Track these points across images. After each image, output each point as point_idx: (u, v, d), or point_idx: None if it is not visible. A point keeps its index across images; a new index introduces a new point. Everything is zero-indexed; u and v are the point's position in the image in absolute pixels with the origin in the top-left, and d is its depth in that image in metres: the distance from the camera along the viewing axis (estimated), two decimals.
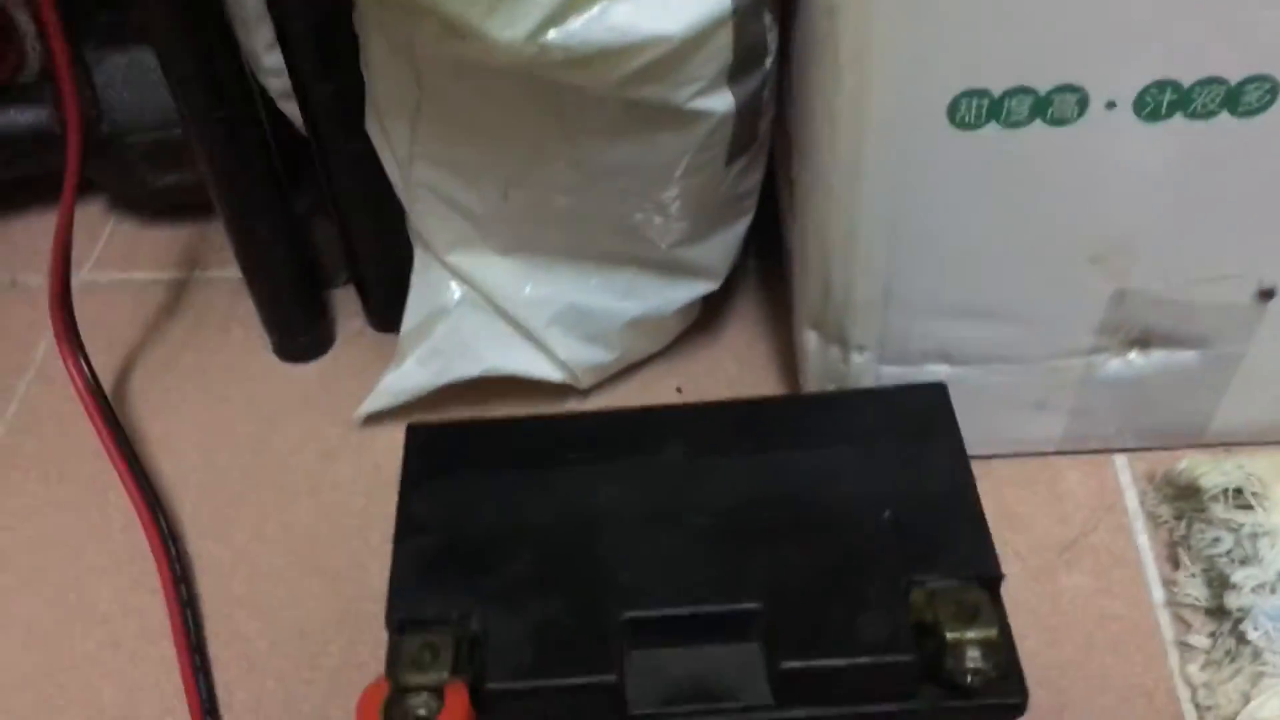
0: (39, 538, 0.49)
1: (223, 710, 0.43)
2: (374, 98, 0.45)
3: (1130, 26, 0.34)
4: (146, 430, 0.52)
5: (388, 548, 0.36)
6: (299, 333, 0.54)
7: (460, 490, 0.38)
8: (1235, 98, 0.35)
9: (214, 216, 0.52)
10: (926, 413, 0.38)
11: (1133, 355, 0.43)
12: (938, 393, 0.39)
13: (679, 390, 0.52)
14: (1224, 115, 0.36)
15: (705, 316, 0.53)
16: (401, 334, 0.50)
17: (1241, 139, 0.36)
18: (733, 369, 0.52)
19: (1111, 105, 0.36)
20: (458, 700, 0.32)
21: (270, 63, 0.48)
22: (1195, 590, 0.42)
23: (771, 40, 0.42)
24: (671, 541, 0.35)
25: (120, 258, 0.60)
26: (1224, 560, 0.41)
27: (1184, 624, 0.42)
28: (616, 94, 0.39)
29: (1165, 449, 0.46)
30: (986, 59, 0.35)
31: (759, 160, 0.47)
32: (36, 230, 0.60)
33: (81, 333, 0.49)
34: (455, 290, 0.49)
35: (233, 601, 0.46)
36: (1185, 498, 0.44)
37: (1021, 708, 0.33)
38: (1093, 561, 0.44)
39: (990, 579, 0.34)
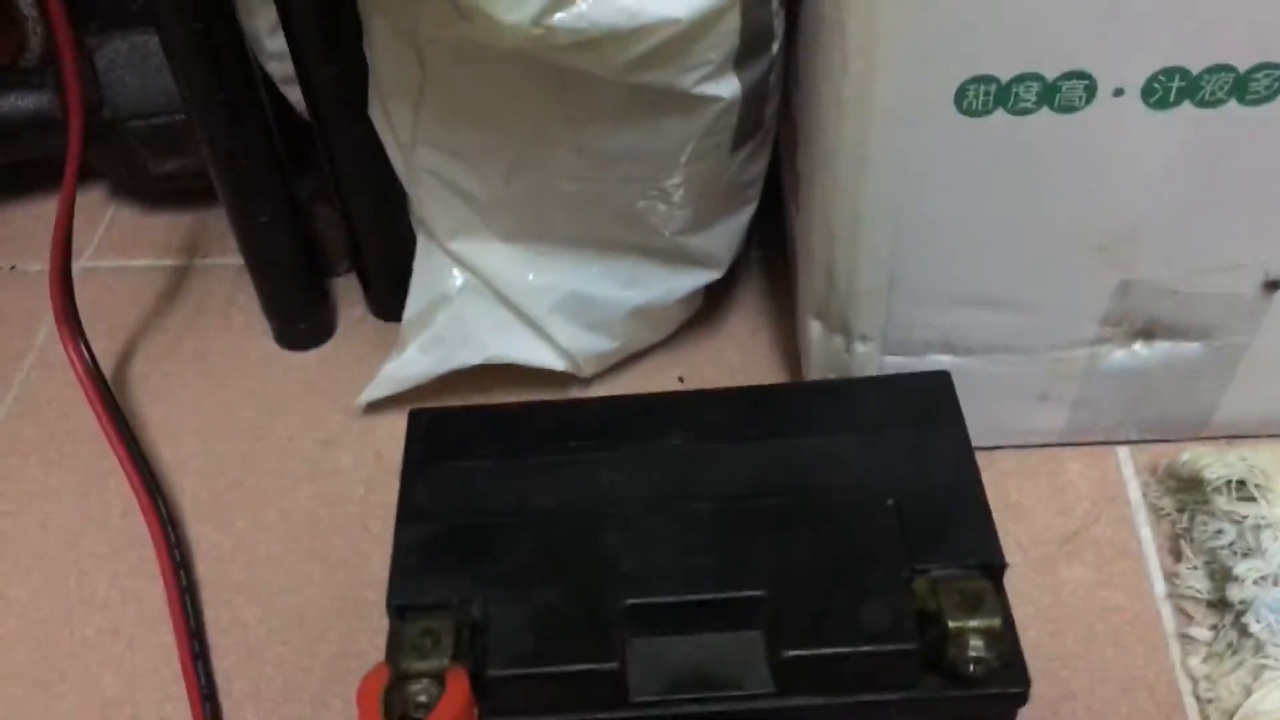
0: (38, 523, 0.49)
1: (221, 697, 0.43)
2: (377, 82, 0.45)
3: (1139, 12, 0.34)
4: (146, 416, 0.52)
5: (388, 535, 0.36)
6: (300, 320, 0.54)
7: (462, 476, 0.37)
8: (1244, 85, 0.35)
9: (215, 203, 0.51)
10: (930, 400, 0.38)
11: (1137, 346, 0.43)
12: (942, 380, 0.39)
13: (681, 380, 0.52)
14: (1232, 103, 0.35)
15: (708, 306, 0.53)
16: (403, 321, 0.49)
17: (1249, 127, 0.36)
18: (735, 359, 0.52)
19: (1119, 92, 0.35)
20: (458, 687, 0.32)
21: (273, 47, 0.48)
22: (1197, 583, 0.42)
23: (778, 25, 0.42)
24: (674, 529, 0.35)
25: (121, 244, 0.60)
26: (1226, 553, 0.41)
27: (1186, 616, 0.42)
28: (622, 78, 0.39)
29: (1168, 441, 0.46)
30: (994, 45, 0.35)
31: (764, 148, 0.47)
32: (37, 216, 0.60)
33: (82, 319, 0.49)
34: (457, 277, 0.49)
35: (232, 588, 0.46)
36: (1188, 490, 0.44)
37: (1024, 697, 0.33)
38: (1095, 553, 0.44)
39: (994, 568, 0.34)
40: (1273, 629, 0.39)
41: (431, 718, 0.31)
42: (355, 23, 0.43)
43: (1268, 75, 0.35)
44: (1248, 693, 0.38)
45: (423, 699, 0.32)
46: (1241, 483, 0.42)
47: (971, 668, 0.32)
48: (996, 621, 0.32)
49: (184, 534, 0.47)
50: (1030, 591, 0.43)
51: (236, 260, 0.53)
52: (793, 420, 0.38)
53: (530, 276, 0.48)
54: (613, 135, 0.43)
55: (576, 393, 0.51)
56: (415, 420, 0.39)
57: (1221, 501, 0.42)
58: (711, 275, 0.50)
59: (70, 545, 0.48)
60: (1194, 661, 0.41)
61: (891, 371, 0.44)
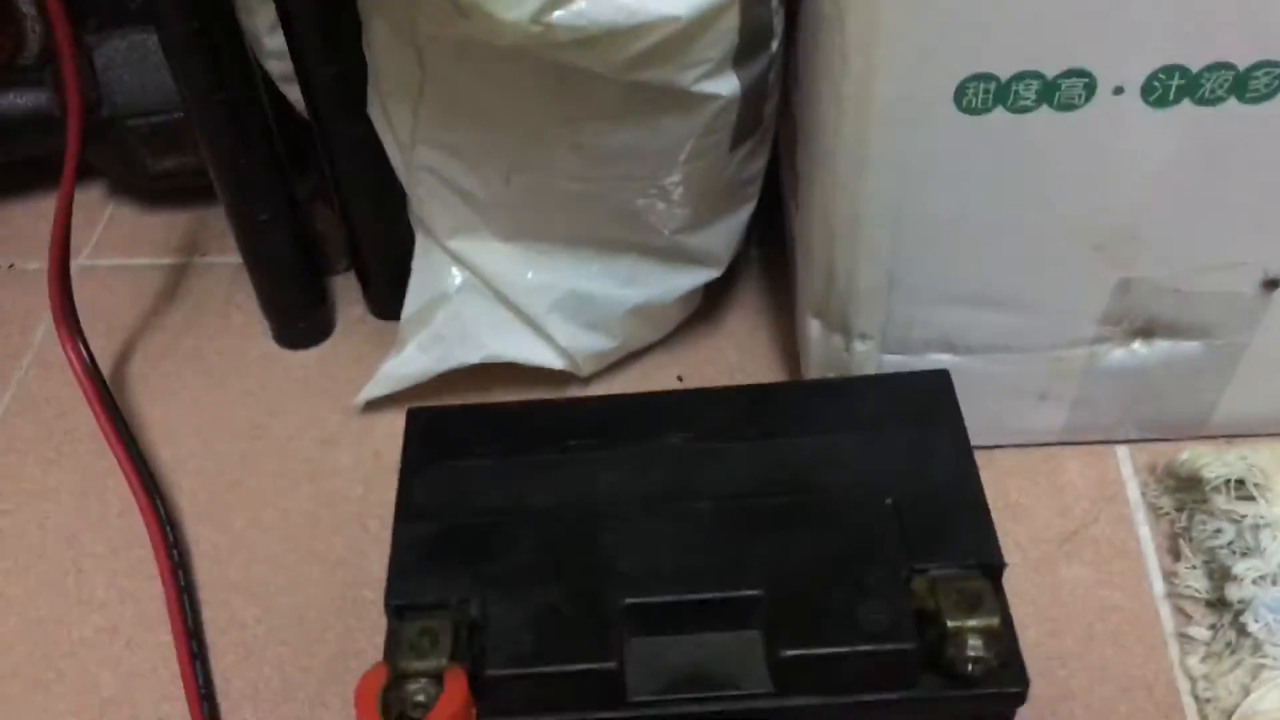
0: (36, 522, 0.49)
1: (220, 697, 0.43)
2: (376, 81, 0.45)
3: (1139, 10, 0.34)
4: (145, 416, 0.52)
5: (386, 534, 0.36)
6: (299, 319, 0.54)
7: (461, 475, 0.37)
8: (1243, 83, 0.35)
9: (214, 201, 0.51)
10: (930, 399, 0.38)
11: (1136, 345, 0.43)
12: (941, 379, 0.39)
13: (680, 379, 0.51)
14: (1232, 101, 0.35)
15: (707, 304, 0.53)
16: (402, 320, 0.49)
17: (1249, 126, 0.36)
18: (734, 358, 0.52)
19: (1119, 90, 0.35)
20: (456, 686, 0.31)
21: (272, 45, 0.48)
22: (1196, 582, 0.42)
23: (777, 23, 0.42)
24: (672, 528, 0.35)
25: (120, 242, 0.60)
26: (1225, 552, 0.41)
27: (1184, 616, 0.42)
28: (621, 76, 0.39)
29: (1167, 440, 0.46)
30: (994, 43, 0.35)
31: (763, 146, 0.47)
32: (36, 214, 0.60)
33: (80, 317, 0.49)
34: (456, 276, 0.49)
35: (230, 588, 0.46)
36: (1187, 489, 0.44)
37: (1022, 697, 0.33)
38: (1093, 553, 0.44)
39: (992, 567, 0.34)
40: (1271, 628, 0.39)
41: (429, 717, 0.31)
42: (355, 21, 0.43)
43: (1267, 73, 0.35)
44: (1246, 692, 0.38)
45: (421, 699, 0.32)
46: (1240, 482, 0.42)
47: (970, 667, 0.32)
48: (995, 621, 0.32)
49: (182, 533, 0.47)
50: (1029, 591, 0.43)
51: (235, 259, 0.53)
52: (791, 419, 0.38)
53: (529, 275, 0.48)
54: (612, 133, 0.43)
55: (575, 391, 0.51)
56: (413, 419, 0.39)
57: (1220, 501, 0.42)
58: (710, 274, 0.50)
59: (68, 545, 0.48)
60: (1192, 661, 0.41)
61: (891, 370, 0.44)
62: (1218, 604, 0.41)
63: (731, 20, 0.39)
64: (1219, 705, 0.39)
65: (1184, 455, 0.44)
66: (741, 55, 0.40)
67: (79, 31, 0.53)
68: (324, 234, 0.55)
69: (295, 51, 0.46)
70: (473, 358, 0.49)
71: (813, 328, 0.45)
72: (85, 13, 0.54)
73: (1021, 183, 0.38)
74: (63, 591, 0.46)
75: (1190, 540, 0.43)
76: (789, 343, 0.51)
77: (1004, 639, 0.32)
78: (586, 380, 0.51)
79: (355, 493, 0.48)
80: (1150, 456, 0.46)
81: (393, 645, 0.33)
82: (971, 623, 0.32)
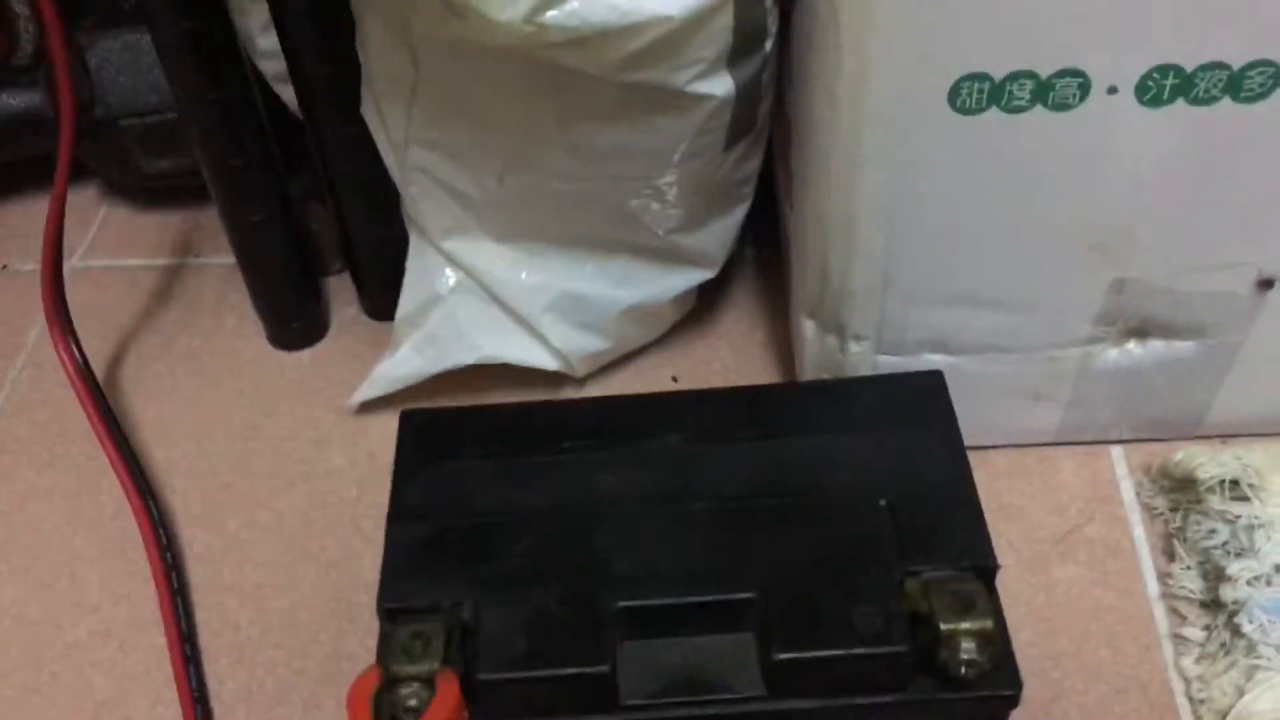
0: (29, 524, 0.49)
1: (213, 700, 0.43)
2: (370, 80, 0.44)
3: (1133, 10, 0.34)
4: (139, 417, 0.52)
5: (380, 536, 0.36)
6: (293, 319, 0.54)
7: (454, 477, 0.37)
8: (1238, 83, 0.35)
9: (208, 202, 0.51)
10: (923, 400, 0.38)
11: (1130, 345, 0.43)
12: (935, 380, 0.39)
13: (674, 379, 0.51)
14: (1226, 101, 0.35)
15: (701, 305, 0.53)
16: (396, 321, 0.49)
17: (1243, 125, 0.36)
18: (729, 358, 0.52)
19: (1113, 90, 0.35)
20: (448, 690, 0.31)
21: (265, 45, 0.48)
22: (1190, 583, 0.42)
23: (771, 23, 0.41)
24: (666, 530, 0.35)
25: (113, 243, 0.60)
26: (1219, 552, 0.41)
27: (1179, 616, 0.42)
28: (615, 76, 0.39)
29: (1162, 440, 0.46)
30: (988, 43, 0.35)
31: (758, 146, 0.47)
32: (29, 215, 0.60)
33: (74, 318, 0.49)
34: (450, 277, 0.49)
35: (224, 590, 0.46)
36: (1181, 489, 0.44)
37: (1015, 700, 0.33)
38: (1088, 553, 0.44)
39: (986, 569, 0.34)
40: (1265, 629, 0.39)
41: None
42: (349, 21, 0.43)
43: (1261, 73, 0.35)
44: (1240, 693, 0.38)
45: (412, 703, 0.32)
46: (1235, 482, 0.42)
47: (963, 670, 0.32)
48: (988, 624, 0.32)
49: (175, 535, 0.47)
50: (1024, 591, 0.43)
51: (229, 259, 0.53)
52: (786, 421, 0.38)
53: (523, 276, 0.48)
54: (605, 134, 0.42)
55: (570, 393, 0.51)
56: (407, 421, 0.39)
57: (1215, 501, 0.42)
58: (705, 274, 0.50)
59: (61, 547, 0.48)
60: (1187, 662, 0.41)
61: (885, 371, 0.44)
62: (1212, 605, 0.41)
63: (725, 20, 0.39)
64: (1213, 706, 0.39)
65: (1178, 455, 0.44)
66: (735, 55, 0.40)
67: (72, 32, 0.53)
68: (318, 234, 0.54)
69: (289, 51, 0.46)
70: (467, 359, 0.49)
71: (807, 328, 0.45)
72: (79, 13, 0.54)
73: (1016, 183, 0.38)
74: (55, 594, 0.46)
75: (1185, 541, 0.43)
76: (784, 343, 0.51)
77: (997, 641, 0.32)
78: (581, 381, 0.51)
79: (349, 494, 0.48)
80: (1145, 457, 0.46)
81: (384, 649, 0.33)
82: (964, 625, 0.32)
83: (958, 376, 0.40)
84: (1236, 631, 0.39)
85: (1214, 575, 0.41)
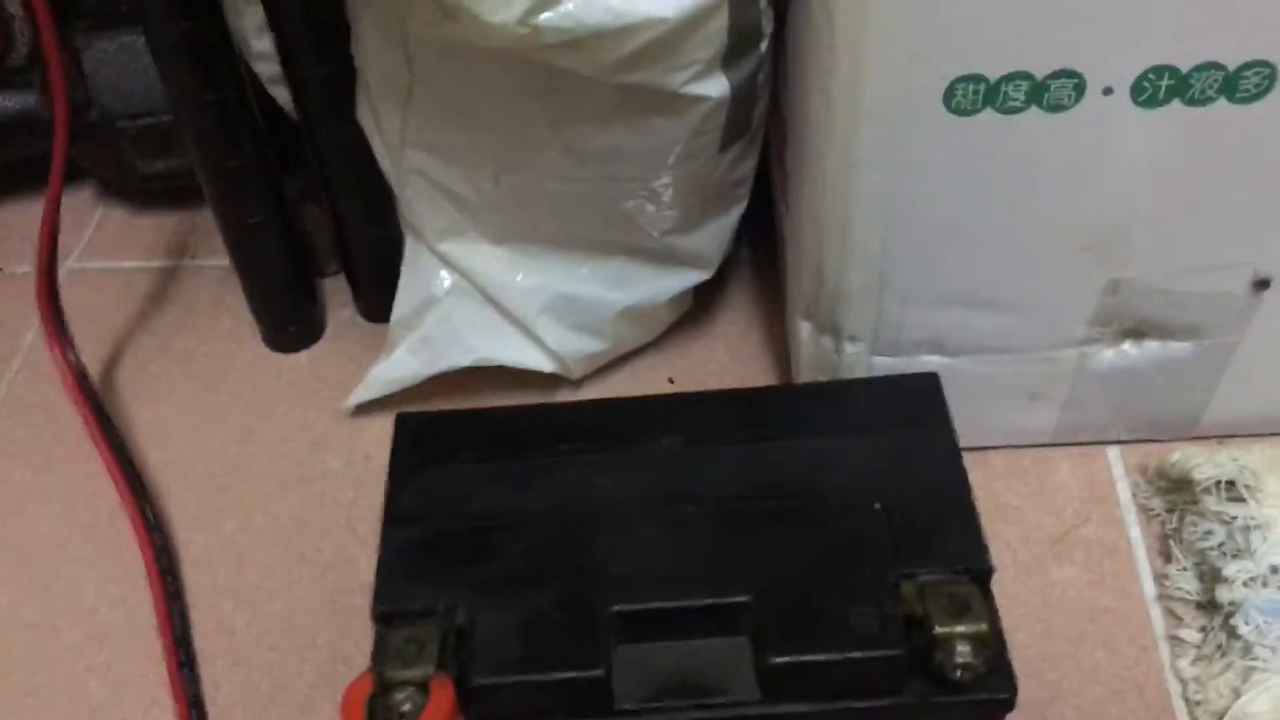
0: (24, 527, 0.49)
1: (208, 704, 0.42)
2: (365, 83, 0.44)
3: (1129, 11, 0.34)
4: (134, 419, 0.52)
5: (376, 539, 0.36)
6: (289, 321, 0.54)
7: (449, 481, 0.37)
8: (1233, 83, 0.35)
9: (204, 203, 0.51)
10: (918, 402, 0.38)
11: (1126, 346, 0.43)
12: (930, 382, 0.39)
13: (671, 381, 0.51)
14: (1221, 101, 0.35)
15: (698, 306, 0.53)
16: (391, 323, 0.49)
17: (1239, 126, 0.36)
18: (725, 359, 0.52)
19: (1109, 91, 0.35)
20: (443, 695, 0.31)
21: (260, 47, 0.48)
22: (1187, 584, 0.42)
23: (766, 24, 0.41)
24: (661, 533, 0.35)
25: (109, 245, 0.60)
26: (1215, 554, 0.41)
27: (1175, 618, 0.42)
28: (610, 78, 0.39)
29: (1158, 441, 0.46)
30: (983, 44, 0.35)
31: (753, 147, 0.47)
32: (25, 217, 0.60)
33: (70, 320, 0.49)
34: (446, 279, 0.49)
35: (219, 592, 0.45)
36: (1178, 490, 0.44)
37: (1010, 703, 0.33)
38: (1084, 554, 0.44)
39: (981, 572, 0.34)
40: (1262, 631, 0.39)
41: None
42: (344, 22, 0.43)
43: (1257, 73, 0.35)
44: (1237, 695, 0.38)
45: (407, 708, 0.31)
46: (1231, 483, 0.42)
47: (958, 673, 0.31)
48: (983, 627, 0.32)
49: (171, 538, 0.47)
50: (1020, 593, 0.43)
51: (225, 261, 0.53)
52: (781, 423, 0.38)
53: (519, 278, 0.48)
54: (601, 135, 0.42)
55: (566, 394, 0.51)
56: (401, 424, 0.39)
57: (1211, 502, 0.42)
58: (701, 275, 0.50)
59: (57, 550, 0.48)
60: (1183, 663, 0.41)
61: (881, 372, 0.44)
62: (1208, 606, 0.41)
63: (720, 21, 0.39)
64: (1210, 708, 0.39)
65: (1175, 456, 0.44)
66: (731, 57, 0.40)
67: (68, 33, 0.53)
68: (313, 236, 0.54)
69: (284, 53, 0.46)
70: (463, 361, 0.49)
71: (803, 329, 0.45)
72: (74, 14, 0.54)
73: (1011, 184, 0.38)
74: (51, 597, 0.46)
75: (1181, 542, 0.43)
76: (781, 344, 0.51)
77: (992, 645, 0.32)
78: (577, 383, 0.51)
79: (345, 496, 0.48)
80: (1141, 457, 0.46)
81: (379, 653, 0.33)
82: (960, 629, 0.32)
83: (954, 377, 0.40)
84: (1233, 633, 0.39)
85: (1210, 576, 0.41)
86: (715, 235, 0.49)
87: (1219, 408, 0.45)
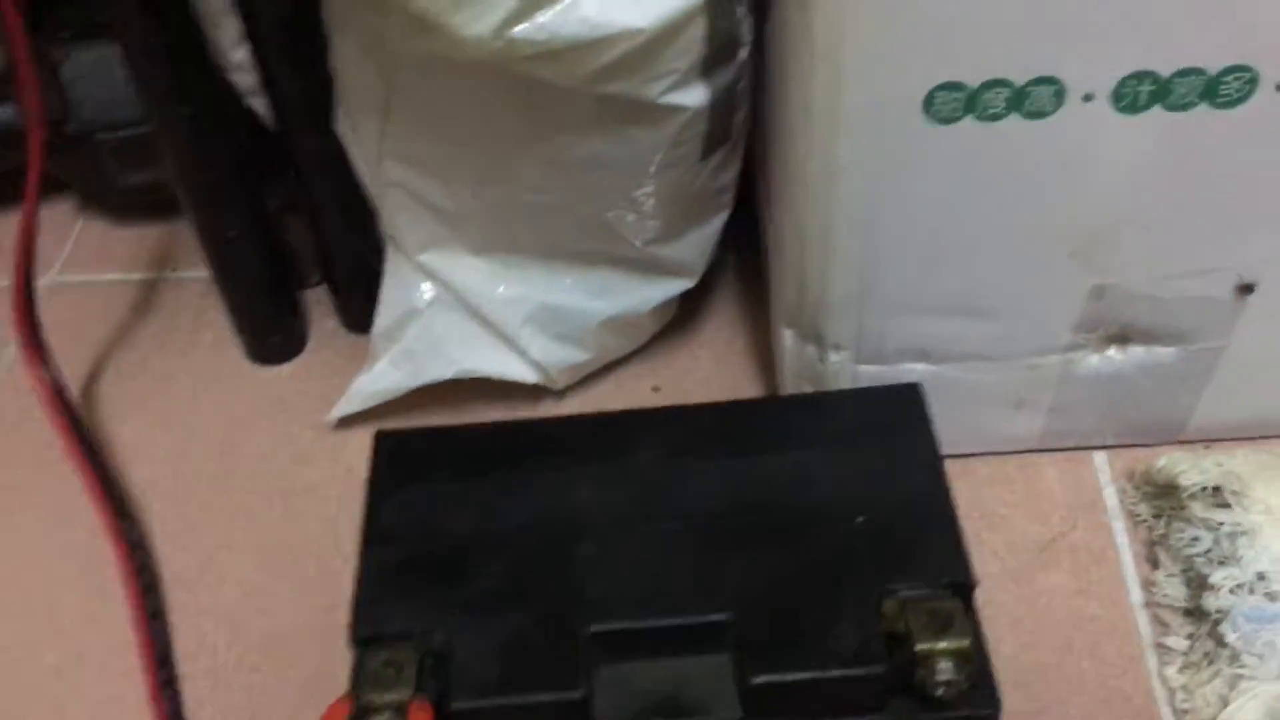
0: (3, 546, 0.48)
1: None
2: (344, 95, 0.44)
3: (1108, 17, 0.33)
4: (115, 434, 0.51)
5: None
6: (270, 334, 0.54)
7: (428, 500, 0.37)
8: (1214, 89, 0.35)
9: (184, 215, 0.51)
10: (901, 414, 0.38)
11: (1111, 352, 0.43)
12: (912, 393, 0.39)
13: (656, 390, 0.51)
14: (1203, 106, 0.35)
15: (682, 314, 0.53)
16: (373, 335, 0.49)
17: (1220, 131, 0.36)
18: (710, 367, 0.52)
19: (1089, 97, 0.35)
20: (421, 719, 0.31)
21: (237, 58, 0.47)
22: (1174, 591, 0.42)
23: (745, 33, 0.41)
24: (642, 551, 0.35)
25: (89, 258, 0.59)
26: (1202, 560, 0.41)
27: (1162, 625, 0.42)
28: (587, 89, 0.39)
29: (1144, 446, 0.46)
30: (962, 52, 0.34)
31: (735, 156, 0.46)
32: (2, 230, 0.59)
33: (50, 335, 0.48)
34: (427, 290, 0.48)
35: (201, 611, 0.45)
36: (1164, 496, 0.44)
37: (994, 719, 0.32)
38: (1071, 561, 0.44)
39: (963, 586, 0.33)
40: (1248, 638, 0.38)
41: None
42: (321, 34, 0.43)
43: (1238, 78, 0.35)
44: (1224, 703, 0.38)
45: None
46: (1217, 488, 0.42)
47: (940, 690, 0.31)
48: (965, 643, 0.31)
49: (152, 556, 0.47)
50: (1007, 601, 0.43)
51: (206, 273, 0.53)
52: (762, 436, 0.38)
53: (501, 289, 0.48)
54: (580, 146, 0.42)
55: (550, 405, 0.50)
56: (380, 442, 0.39)
57: (1197, 508, 0.42)
58: (684, 284, 0.50)
59: (36, 569, 0.47)
60: (1170, 671, 0.40)
61: (866, 380, 0.43)
62: (1195, 613, 0.41)
63: (697, 31, 0.38)
64: (1197, 716, 0.39)
65: (1161, 462, 0.44)
66: (709, 66, 0.40)
67: (45, 45, 0.52)
68: (294, 247, 0.54)
69: (262, 65, 0.45)
70: (446, 373, 0.48)
71: (787, 338, 0.45)
72: (53, 26, 0.53)
73: (993, 191, 0.38)
74: (30, 617, 0.46)
75: (1168, 548, 0.43)
76: (766, 351, 0.51)
77: (974, 660, 0.32)
78: (561, 393, 0.51)
79: (328, 511, 0.48)
80: (1128, 462, 0.46)
81: (357, 677, 0.33)
82: (941, 645, 0.31)
83: (939, 385, 0.40)
84: (1220, 640, 0.39)
85: (1197, 583, 0.41)
86: (698, 243, 0.49)
87: (1204, 412, 0.45)
